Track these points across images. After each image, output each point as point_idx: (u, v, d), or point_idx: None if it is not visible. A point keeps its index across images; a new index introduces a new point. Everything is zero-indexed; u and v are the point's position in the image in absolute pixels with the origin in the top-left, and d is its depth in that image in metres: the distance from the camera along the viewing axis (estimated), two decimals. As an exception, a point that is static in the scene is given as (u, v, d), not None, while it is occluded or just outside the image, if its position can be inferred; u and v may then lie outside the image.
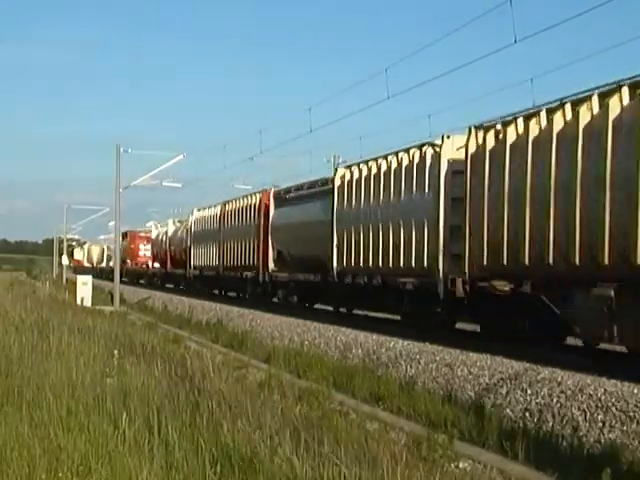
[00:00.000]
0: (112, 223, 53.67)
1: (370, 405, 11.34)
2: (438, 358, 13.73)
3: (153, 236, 56.38)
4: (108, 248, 79.80)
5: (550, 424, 9.81)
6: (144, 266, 59.16)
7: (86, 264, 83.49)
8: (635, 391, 9.83)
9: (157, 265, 54.08)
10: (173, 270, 46.93)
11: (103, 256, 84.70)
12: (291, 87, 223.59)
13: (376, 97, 28.79)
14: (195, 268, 39.97)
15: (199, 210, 40.33)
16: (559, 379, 10.93)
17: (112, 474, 6.25)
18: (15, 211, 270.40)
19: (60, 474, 6.24)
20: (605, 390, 10.05)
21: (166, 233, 49.82)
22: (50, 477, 6.19)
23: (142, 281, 58.62)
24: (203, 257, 38.37)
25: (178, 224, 48.09)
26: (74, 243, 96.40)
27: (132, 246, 62.16)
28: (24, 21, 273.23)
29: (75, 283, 36.54)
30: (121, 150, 36.06)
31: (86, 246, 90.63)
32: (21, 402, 8.74)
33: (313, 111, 28.51)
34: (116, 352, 12.53)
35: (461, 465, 7.90)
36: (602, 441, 8.97)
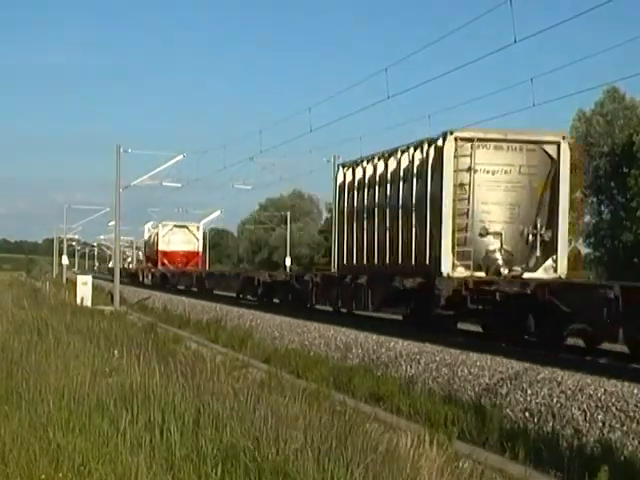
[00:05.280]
0: (112, 223, 52.78)
1: (370, 405, 11.33)
2: (438, 358, 13.72)
3: None
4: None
5: (550, 424, 9.82)
6: None
7: None
8: (635, 391, 9.83)
9: None
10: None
11: None
12: (291, 87, 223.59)
13: (376, 97, 28.79)
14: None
15: None
16: (559, 379, 10.93)
17: (112, 474, 6.25)
18: (15, 211, 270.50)
19: (60, 474, 6.24)
20: (605, 390, 10.04)
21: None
22: (50, 477, 6.19)
23: None
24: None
25: None
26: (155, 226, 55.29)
27: None
28: (24, 21, 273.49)
29: (75, 283, 36.53)
30: (121, 150, 36.09)
31: None
32: (21, 402, 8.75)
33: (313, 111, 28.57)
34: (116, 352, 12.52)
35: (461, 465, 7.89)
36: (602, 441, 8.98)
